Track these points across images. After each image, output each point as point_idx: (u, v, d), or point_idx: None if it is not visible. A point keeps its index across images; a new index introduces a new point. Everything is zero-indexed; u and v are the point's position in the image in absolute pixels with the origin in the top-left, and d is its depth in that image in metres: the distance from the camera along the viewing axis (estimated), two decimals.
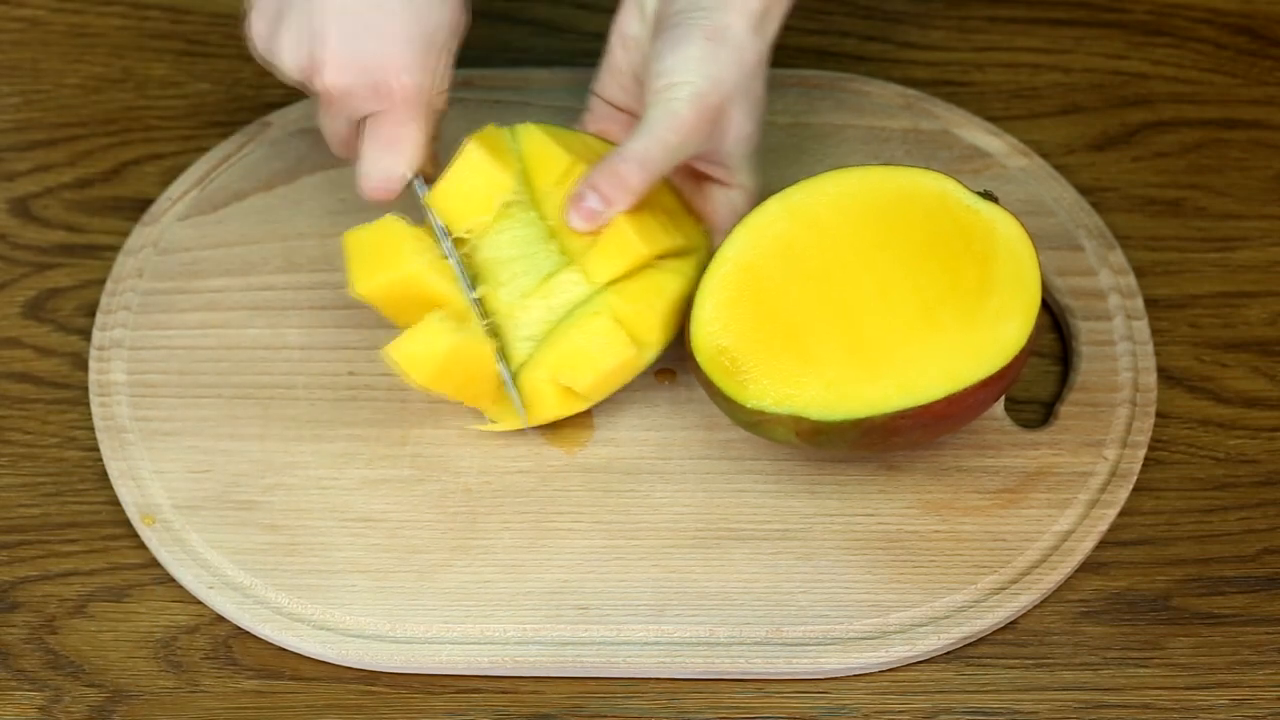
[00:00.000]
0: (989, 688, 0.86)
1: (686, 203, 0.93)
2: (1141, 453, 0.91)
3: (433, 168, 0.91)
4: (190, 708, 0.86)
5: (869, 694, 0.86)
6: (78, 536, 0.90)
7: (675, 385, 0.93)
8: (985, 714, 0.86)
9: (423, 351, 0.87)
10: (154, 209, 1.00)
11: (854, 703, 0.86)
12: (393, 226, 0.89)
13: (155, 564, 0.89)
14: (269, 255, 0.98)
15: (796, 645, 0.86)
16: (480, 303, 0.89)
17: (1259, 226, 1.01)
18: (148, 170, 1.03)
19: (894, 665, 0.87)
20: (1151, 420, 0.92)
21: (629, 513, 0.89)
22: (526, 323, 0.89)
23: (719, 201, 0.92)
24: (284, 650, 0.87)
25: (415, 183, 0.90)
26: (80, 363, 0.95)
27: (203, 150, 1.02)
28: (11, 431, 0.94)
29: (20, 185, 1.02)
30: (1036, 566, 0.88)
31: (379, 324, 0.93)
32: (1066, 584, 0.89)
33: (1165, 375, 0.95)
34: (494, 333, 0.89)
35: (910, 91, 1.04)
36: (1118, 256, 0.97)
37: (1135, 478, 0.91)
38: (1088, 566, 0.89)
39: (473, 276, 0.90)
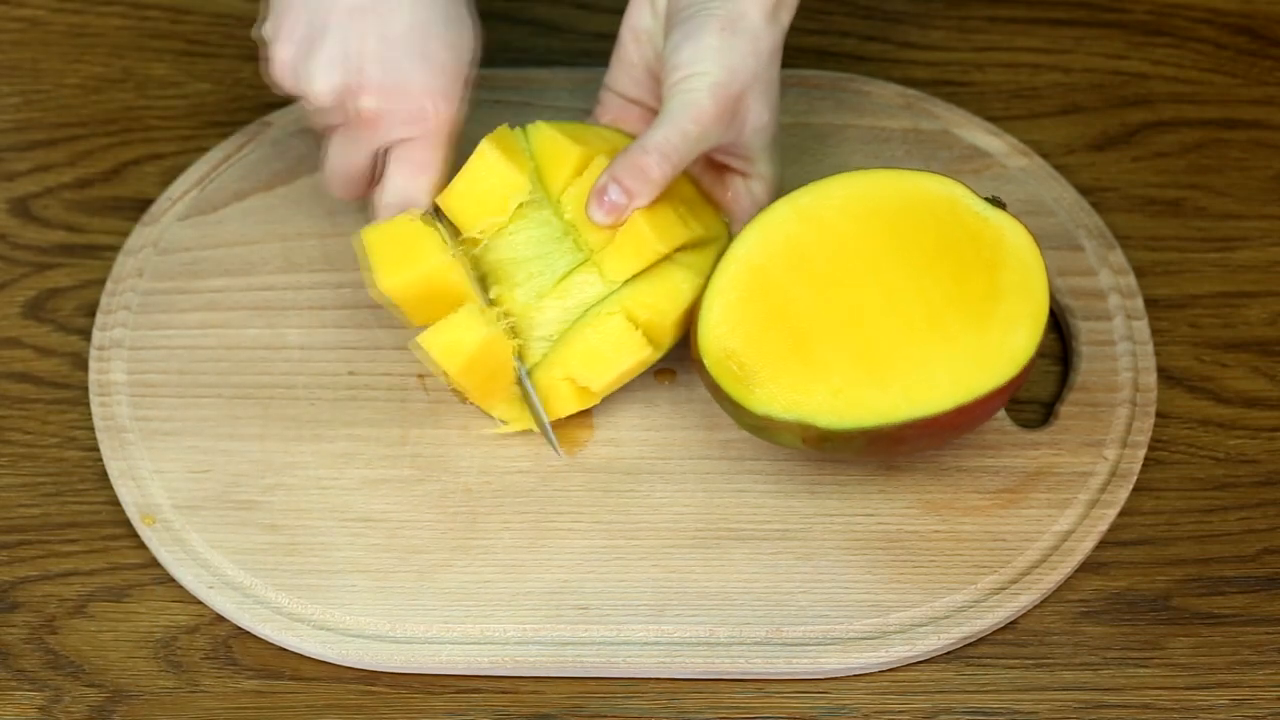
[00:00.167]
0: (989, 688, 0.86)
1: (706, 193, 0.93)
2: (1141, 453, 0.91)
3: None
4: (190, 708, 0.86)
5: (869, 694, 0.86)
6: (78, 536, 0.90)
7: (675, 385, 0.93)
8: (985, 714, 0.86)
9: (457, 341, 0.87)
10: (154, 209, 1.00)
11: (854, 703, 0.86)
12: (413, 223, 0.89)
13: (155, 564, 0.89)
14: (269, 255, 0.98)
15: (796, 645, 0.86)
16: (495, 305, 0.89)
17: (1259, 226, 1.01)
18: (148, 170, 1.03)
19: (894, 665, 0.87)
20: (1151, 420, 0.92)
21: (629, 513, 0.89)
22: (542, 323, 0.89)
23: (739, 191, 0.92)
24: (284, 650, 0.87)
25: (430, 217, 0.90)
26: (80, 363, 0.95)
27: (203, 150, 1.02)
28: (11, 431, 0.94)
29: (20, 185, 1.02)
30: (1036, 566, 0.88)
31: (379, 324, 0.93)
32: (1066, 584, 0.89)
33: (1165, 375, 0.95)
34: (513, 333, 0.89)
35: (910, 91, 1.04)
36: (1118, 256, 0.97)
37: (1135, 478, 0.91)
38: (1088, 566, 0.89)
39: (487, 277, 0.90)
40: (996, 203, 0.88)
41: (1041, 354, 0.96)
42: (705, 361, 0.86)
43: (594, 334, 0.88)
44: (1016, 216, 0.87)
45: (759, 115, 0.89)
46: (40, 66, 1.07)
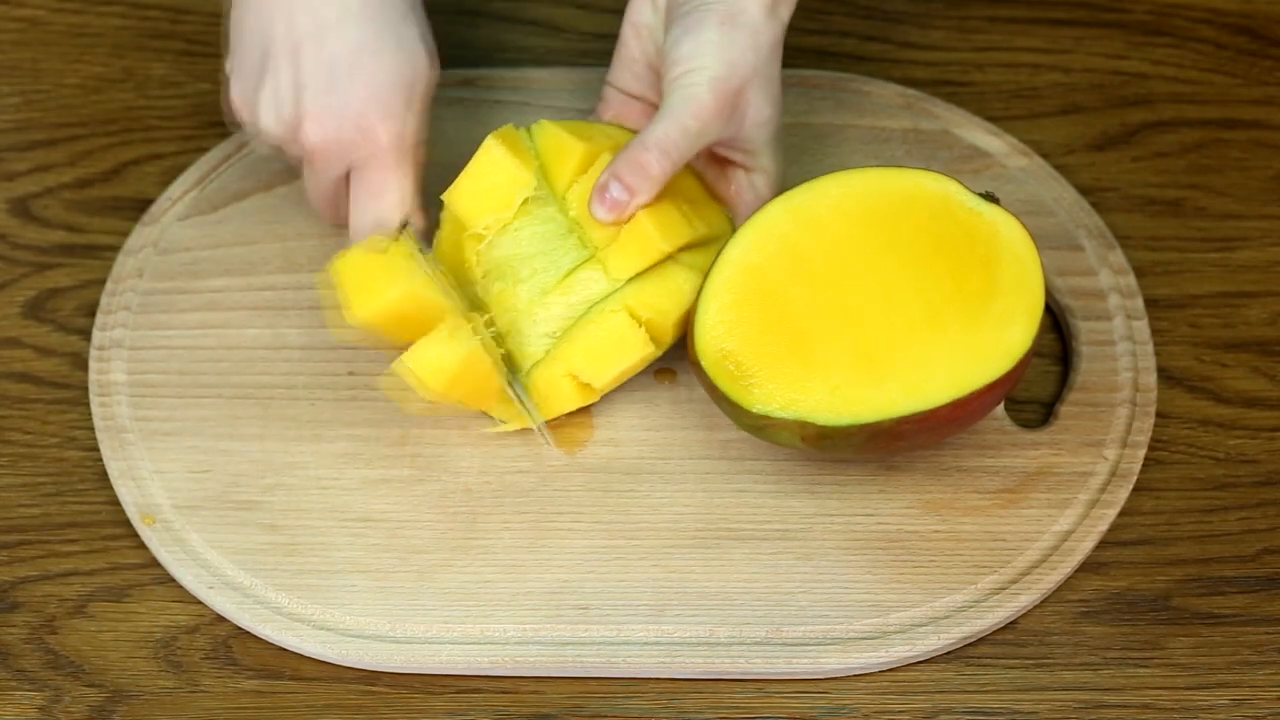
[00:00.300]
0: (989, 688, 0.86)
1: (709, 187, 0.93)
2: (1141, 453, 0.91)
3: (420, 219, 0.91)
4: (190, 708, 0.86)
5: (869, 694, 0.86)
6: (78, 536, 0.90)
7: (675, 385, 0.93)
8: (985, 714, 0.86)
9: (438, 360, 0.87)
10: (154, 209, 1.00)
11: (854, 703, 0.86)
12: (380, 247, 0.88)
13: (155, 564, 0.89)
14: (269, 255, 0.98)
15: (796, 645, 0.86)
16: (481, 311, 0.89)
17: (1259, 226, 1.01)
18: (148, 170, 1.03)
19: (894, 665, 0.87)
20: (1151, 420, 0.92)
21: (629, 513, 0.89)
22: (545, 319, 0.89)
23: (742, 185, 0.92)
24: (284, 650, 0.87)
25: (408, 230, 0.90)
26: (80, 363, 0.95)
27: (203, 150, 1.02)
28: (11, 431, 0.94)
29: (20, 185, 1.02)
30: (1036, 566, 0.88)
31: None
32: (1066, 584, 0.89)
33: (1165, 375, 0.95)
34: (502, 339, 0.89)
35: (910, 91, 1.04)
36: (1118, 256, 0.97)
37: (1135, 478, 0.91)
38: (1088, 566, 0.89)
39: (491, 273, 0.90)
40: (990, 198, 0.88)
41: (1041, 354, 0.96)
42: (702, 363, 0.86)
43: (597, 331, 0.88)
44: (1010, 211, 0.87)
45: (759, 109, 0.89)
46: (40, 66, 1.07)
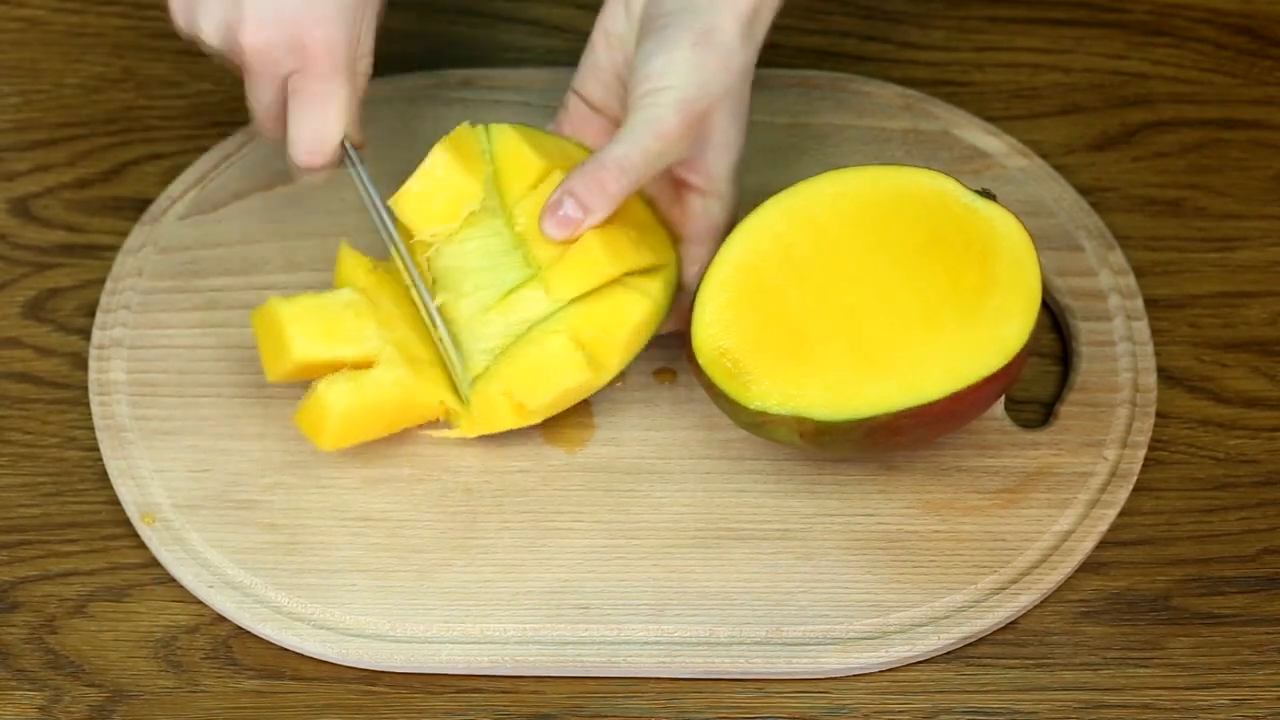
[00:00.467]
0: (989, 688, 0.86)
1: (660, 213, 0.92)
2: (1141, 453, 0.91)
3: (358, 135, 0.90)
4: (190, 708, 0.86)
5: (869, 694, 0.86)
6: (78, 536, 0.90)
7: (675, 385, 0.93)
8: (985, 714, 0.86)
9: (319, 419, 0.87)
10: (154, 208, 1.00)
11: (854, 703, 0.86)
12: (276, 310, 0.87)
13: (155, 564, 0.89)
14: (269, 255, 0.98)
15: (796, 645, 0.86)
16: (438, 309, 0.89)
17: (1259, 226, 1.01)
18: (148, 170, 1.03)
19: (894, 665, 0.87)
20: (1151, 420, 0.92)
21: (629, 512, 0.89)
22: (485, 335, 0.89)
23: (695, 210, 0.90)
24: (284, 650, 0.87)
25: (346, 148, 0.89)
26: (80, 363, 0.95)
27: (203, 150, 1.02)
28: (11, 431, 0.94)
29: (20, 185, 1.02)
30: (1036, 566, 0.88)
31: None
32: (1066, 584, 0.89)
33: (1165, 375, 0.95)
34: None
35: (910, 91, 1.04)
36: (1118, 256, 0.97)
37: (1135, 478, 0.91)
38: (1088, 566, 0.89)
39: (436, 282, 0.89)
40: (986, 194, 0.88)
41: (1041, 354, 0.96)
42: (700, 361, 0.86)
43: (535, 351, 0.87)
44: (1006, 207, 0.87)
45: (725, 133, 0.88)
46: (40, 66, 1.07)
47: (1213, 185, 1.02)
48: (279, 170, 1.00)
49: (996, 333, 0.85)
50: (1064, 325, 0.96)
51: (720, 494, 0.90)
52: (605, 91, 0.91)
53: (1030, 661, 0.87)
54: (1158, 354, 0.95)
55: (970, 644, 0.87)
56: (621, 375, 0.90)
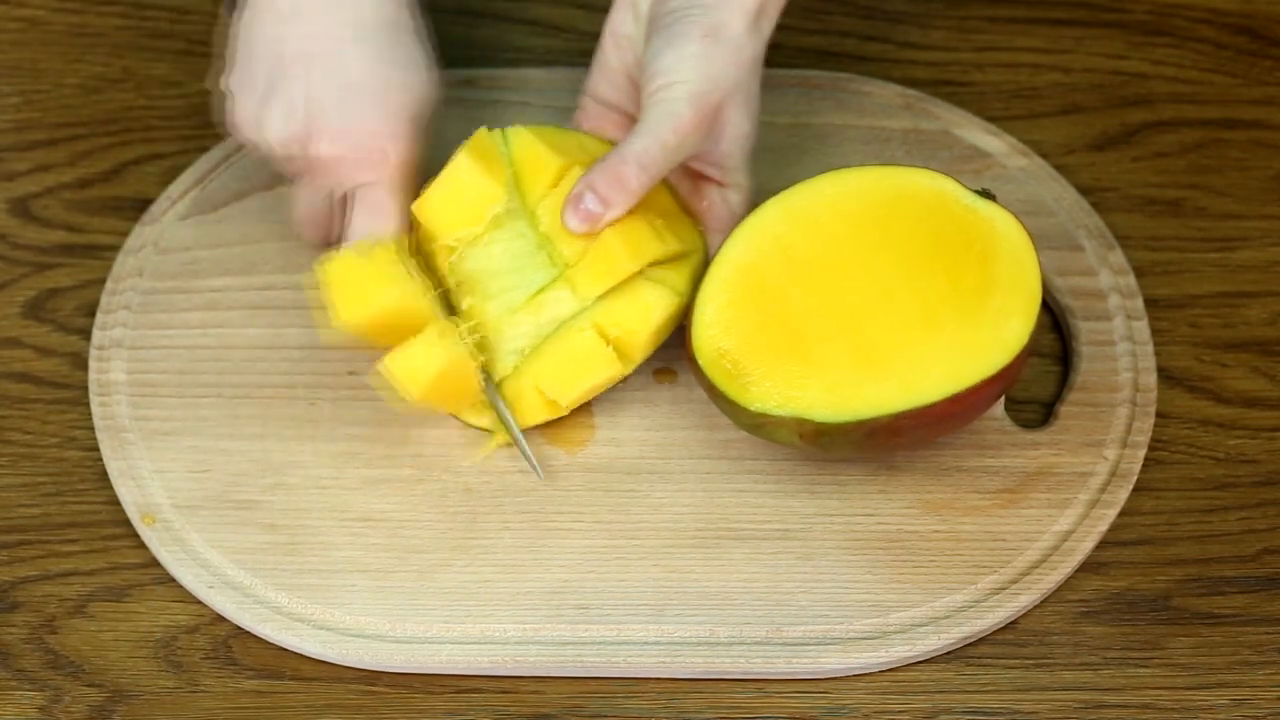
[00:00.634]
0: (989, 688, 0.86)
1: (683, 203, 0.93)
2: (1141, 453, 0.91)
3: (406, 238, 0.92)
4: (190, 708, 0.86)
5: (869, 694, 0.86)
6: (78, 536, 0.90)
7: (675, 385, 0.93)
8: (985, 714, 0.86)
9: (420, 366, 0.87)
10: (154, 209, 1.00)
11: (854, 703, 0.86)
12: (369, 253, 0.88)
13: (155, 564, 0.89)
14: (269, 255, 0.98)
15: (796, 645, 0.86)
16: (462, 318, 0.89)
17: (1259, 226, 1.01)
18: (148, 170, 1.03)
19: (894, 665, 0.87)
20: (1151, 420, 0.92)
21: (629, 512, 0.89)
22: (514, 336, 0.89)
23: (715, 201, 0.92)
24: (284, 650, 0.87)
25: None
26: (80, 363, 0.95)
27: (203, 150, 1.02)
28: (11, 431, 0.94)
29: (20, 185, 1.02)
30: (1036, 566, 0.88)
31: None
32: (1066, 584, 0.89)
33: (1165, 375, 0.95)
34: (481, 348, 0.89)
35: (910, 91, 1.04)
36: (1118, 256, 0.97)
37: (1135, 478, 0.91)
38: (1088, 566, 0.89)
39: (460, 286, 0.90)
40: (986, 195, 0.88)
41: (1041, 354, 0.96)
42: (700, 362, 0.86)
43: (565, 349, 0.88)
44: (1006, 207, 0.87)
45: (738, 125, 0.89)
46: (40, 66, 1.07)
47: (1213, 185, 1.02)
48: (279, 171, 1.00)
49: (997, 333, 0.85)
50: (1064, 325, 0.96)
51: (720, 494, 0.90)
52: (617, 92, 0.92)
53: (1030, 661, 0.87)
54: (1158, 354, 0.95)
55: (970, 644, 0.87)
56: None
